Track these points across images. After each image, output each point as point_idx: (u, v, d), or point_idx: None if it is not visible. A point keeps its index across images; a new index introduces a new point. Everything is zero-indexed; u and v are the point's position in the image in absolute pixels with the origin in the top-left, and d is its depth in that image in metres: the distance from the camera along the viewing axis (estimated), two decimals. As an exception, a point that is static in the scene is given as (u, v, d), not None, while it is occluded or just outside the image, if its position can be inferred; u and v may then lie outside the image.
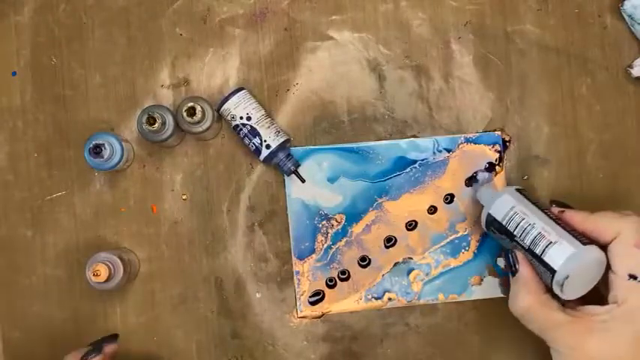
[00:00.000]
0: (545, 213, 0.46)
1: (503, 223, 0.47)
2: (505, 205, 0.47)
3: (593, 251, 0.43)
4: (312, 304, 0.53)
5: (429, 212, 0.54)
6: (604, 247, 0.44)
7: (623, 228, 0.44)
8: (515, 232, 0.46)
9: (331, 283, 0.54)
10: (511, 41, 0.55)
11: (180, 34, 0.54)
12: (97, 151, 0.49)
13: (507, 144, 0.54)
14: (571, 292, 0.44)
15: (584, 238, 0.44)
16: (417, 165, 0.54)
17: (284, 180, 0.54)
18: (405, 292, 0.54)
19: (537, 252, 0.45)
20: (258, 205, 0.54)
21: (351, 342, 0.54)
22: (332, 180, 0.54)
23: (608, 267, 0.44)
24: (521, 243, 0.46)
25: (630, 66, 0.54)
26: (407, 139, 0.54)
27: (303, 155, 0.54)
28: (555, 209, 0.47)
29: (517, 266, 0.46)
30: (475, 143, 0.54)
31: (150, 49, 0.54)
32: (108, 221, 0.53)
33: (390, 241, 0.54)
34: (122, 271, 0.49)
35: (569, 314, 0.43)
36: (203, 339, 0.53)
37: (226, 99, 0.51)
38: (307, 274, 0.53)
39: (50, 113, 0.54)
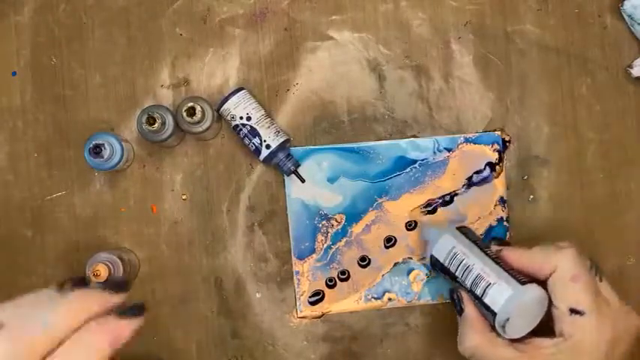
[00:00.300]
0: (486, 252, 0.46)
1: (445, 264, 0.47)
2: (446, 245, 0.48)
3: (532, 290, 0.43)
4: (312, 304, 0.53)
5: (428, 212, 0.54)
6: (544, 283, 0.44)
7: (558, 262, 0.43)
8: (457, 274, 0.46)
9: (331, 283, 0.54)
10: (511, 41, 0.55)
11: (180, 34, 0.54)
12: (97, 151, 0.49)
13: (507, 144, 0.54)
14: (514, 332, 0.43)
15: (522, 277, 0.44)
16: (416, 165, 0.54)
17: (284, 180, 0.54)
18: (405, 292, 0.54)
19: (478, 293, 0.45)
20: (258, 205, 0.54)
21: (351, 342, 0.54)
22: (332, 180, 0.54)
23: (551, 302, 0.43)
24: (463, 284, 0.46)
25: (630, 66, 0.54)
26: (407, 139, 0.54)
27: (303, 155, 0.54)
28: (494, 247, 0.47)
29: (462, 306, 0.46)
30: (475, 143, 0.54)
31: (150, 49, 0.54)
32: (108, 221, 0.53)
33: (389, 241, 0.54)
34: (122, 271, 0.49)
35: (517, 349, 0.43)
36: (203, 339, 0.53)
37: (226, 99, 0.51)
38: (307, 274, 0.53)
39: (50, 113, 0.54)
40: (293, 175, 0.52)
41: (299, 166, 0.52)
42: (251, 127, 0.51)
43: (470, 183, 0.54)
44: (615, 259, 0.54)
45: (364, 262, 0.54)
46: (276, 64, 0.54)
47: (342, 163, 0.54)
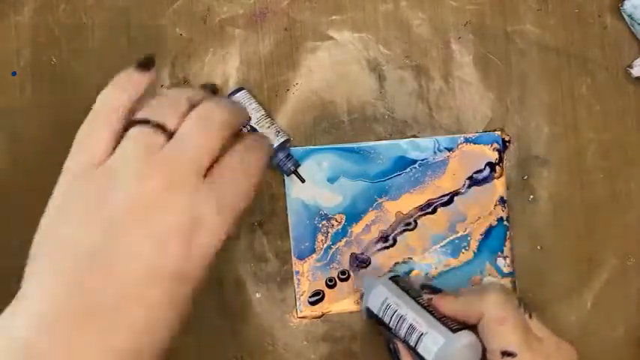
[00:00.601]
0: (418, 301, 0.46)
1: (379, 315, 0.48)
2: (379, 297, 0.48)
3: (464, 337, 0.44)
4: (312, 304, 0.53)
5: (429, 212, 0.54)
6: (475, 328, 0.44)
7: (484, 307, 0.44)
8: (390, 324, 0.47)
9: (331, 283, 0.54)
10: (511, 41, 0.55)
11: (180, 34, 0.54)
12: (97, 151, 0.49)
13: (507, 144, 0.55)
14: None
15: (455, 324, 0.44)
16: (416, 165, 0.54)
17: (284, 180, 0.54)
18: (405, 292, 0.54)
19: (412, 344, 0.45)
20: (258, 205, 0.54)
21: (351, 342, 0.54)
22: (332, 180, 0.54)
23: (484, 347, 0.44)
24: (397, 335, 0.46)
25: (630, 66, 0.54)
26: (407, 139, 0.54)
27: (303, 155, 0.54)
28: (425, 296, 0.47)
29: (400, 357, 0.46)
30: (475, 143, 0.54)
31: (150, 49, 0.54)
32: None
33: (389, 241, 0.54)
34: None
35: None
36: (203, 339, 0.53)
37: None
38: (307, 274, 0.53)
39: (50, 113, 0.54)
40: (293, 175, 0.52)
41: (299, 166, 0.52)
42: (251, 127, 0.51)
43: (470, 183, 0.54)
44: (615, 259, 0.54)
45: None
46: (276, 64, 0.54)
47: (342, 163, 0.54)
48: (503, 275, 0.54)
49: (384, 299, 0.47)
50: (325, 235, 0.54)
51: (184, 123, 0.32)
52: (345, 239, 0.54)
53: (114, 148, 0.32)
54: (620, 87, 0.55)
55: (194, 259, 0.32)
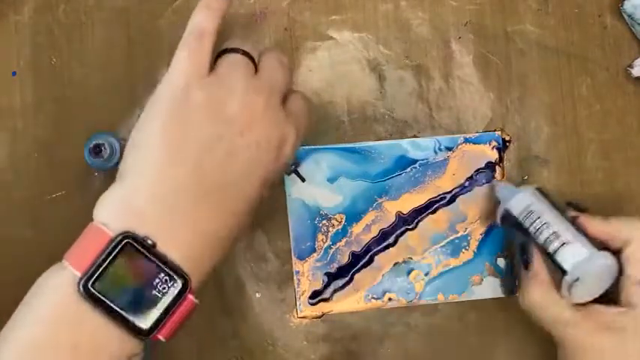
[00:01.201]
0: (563, 214, 0.46)
1: (520, 218, 0.47)
2: (523, 202, 0.48)
3: (607, 257, 0.44)
4: (312, 304, 0.53)
5: (429, 212, 0.54)
6: (616, 254, 0.44)
7: (635, 235, 0.44)
8: (530, 229, 0.46)
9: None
10: (511, 41, 0.55)
11: (181, 34, 0.54)
12: (97, 151, 0.49)
13: (507, 144, 0.55)
14: (579, 296, 0.44)
15: (598, 243, 0.44)
16: (417, 165, 0.54)
17: (284, 180, 0.54)
18: (406, 292, 0.54)
19: (550, 250, 0.45)
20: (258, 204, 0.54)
21: (351, 342, 0.54)
22: (332, 180, 0.54)
23: (620, 273, 0.44)
24: (535, 240, 0.46)
25: (630, 66, 0.54)
26: (407, 139, 0.54)
27: (303, 155, 0.54)
28: (571, 213, 0.47)
29: (531, 259, 0.46)
30: (475, 143, 0.54)
31: (150, 49, 0.54)
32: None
33: (390, 241, 0.54)
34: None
35: (580, 311, 0.43)
36: (203, 339, 0.53)
37: None
38: (307, 274, 0.53)
39: (50, 113, 0.54)
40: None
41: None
42: None
43: (470, 183, 0.54)
44: (615, 259, 0.54)
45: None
46: (276, 64, 0.54)
47: (342, 163, 0.54)
48: (503, 275, 0.54)
49: (528, 204, 0.47)
50: (326, 234, 0.54)
51: (265, 59, 0.41)
52: (345, 239, 0.54)
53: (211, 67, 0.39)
54: (620, 87, 0.55)
55: (278, 166, 0.40)
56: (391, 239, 0.54)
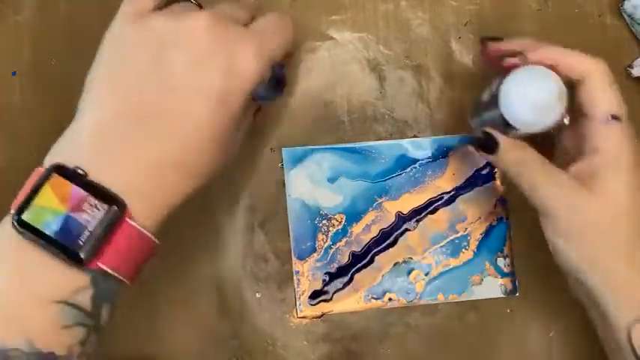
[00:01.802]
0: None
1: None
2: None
3: (551, 75, 0.41)
4: (312, 304, 0.53)
5: (429, 212, 0.54)
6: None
7: (595, 66, 0.41)
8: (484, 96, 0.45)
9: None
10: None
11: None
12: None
13: (507, 144, 0.54)
14: (522, 119, 0.41)
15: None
16: (417, 165, 0.54)
17: (284, 180, 0.54)
18: (406, 292, 0.54)
19: (493, 91, 0.43)
20: (258, 205, 0.54)
21: (351, 342, 0.54)
22: (332, 180, 0.54)
23: (576, 115, 0.41)
24: (483, 99, 0.45)
25: (630, 66, 0.54)
26: (407, 139, 0.54)
27: (303, 155, 0.54)
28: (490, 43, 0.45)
29: (496, 138, 0.43)
30: (475, 143, 0.54)
31: (150, 49, 0.54)
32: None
33: (390, 241, 0.54)
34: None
35: (559, 172, 0.41)
36: (203, 339, 0.53)
37: None
38: (307, 274, 0.53)
39: (50, 113, 0.54)
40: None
41: (281, 80, 0.44)
42: None
43: (470, 183, 0.54)
44: (615, 259, 0.54)
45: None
46: (276, 64, 0.54)
47: (342, 163, 0.54)
48: (503, 275, 0.54)
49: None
50: (326, 234, 0.54)
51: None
52: (345, 239, 0.54)
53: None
54: (621, 87, 0.55)
55: (238, 85, 0.37)
56: (391, 239, 0.54)
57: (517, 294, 0.54)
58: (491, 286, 0.54)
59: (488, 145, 0.44)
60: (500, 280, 0.54)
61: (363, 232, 0.54)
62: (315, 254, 0.53)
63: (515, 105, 0.41)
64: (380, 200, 0.54)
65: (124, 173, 0.36)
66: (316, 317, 0.54)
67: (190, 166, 0.38)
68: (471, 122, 0.49)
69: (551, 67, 0.42)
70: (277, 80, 0.41)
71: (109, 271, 0.36)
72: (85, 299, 0.35)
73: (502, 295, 0.54)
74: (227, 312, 0.53)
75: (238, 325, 0.53)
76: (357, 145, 0.54)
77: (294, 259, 0.53)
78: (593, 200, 0.40)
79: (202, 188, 0.40)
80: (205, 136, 0.37)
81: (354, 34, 0.55)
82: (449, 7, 0.55)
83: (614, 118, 0.40)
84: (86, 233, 0.34)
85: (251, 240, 0.54)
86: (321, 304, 0.53)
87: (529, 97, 0.41)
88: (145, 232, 0.36)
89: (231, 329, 0.53)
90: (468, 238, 0.54)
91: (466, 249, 0.54)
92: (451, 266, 0.54)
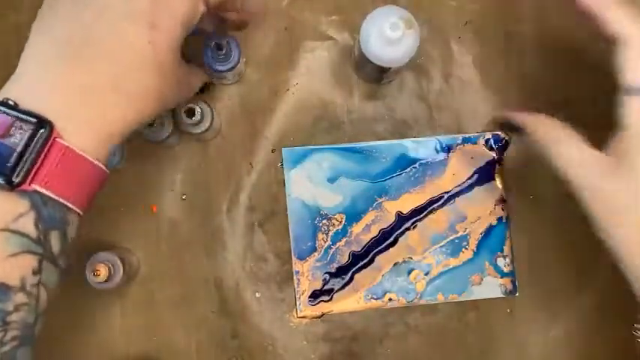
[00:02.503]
0: None
1: None
2: None
3: (399, 10, 0.46)
4: (312, 304, 0.53)
5: (429, 212, 0.54)
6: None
7: (627, 33, 0.39)
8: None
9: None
10: (511, 41, 0.55)
11: (180, 34, 0.54)
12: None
13: (507, 144, 0.54)
14: (376, 53, 0.46)
15: None
16: (417, 165, 0.54)
17: (284, 180, 0.54)
18: (406, 292, 0.54)
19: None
20: (258, 205, 0.54)
21: (351, 342, 0.54)
22: (332, 180, 0.54)
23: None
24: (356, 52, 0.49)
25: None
26: (407, 139, 0.54)
27: (303, 155, 0.54)
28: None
29: (515, 122, 0.44)
30: (475, 143, 0.54)
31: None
32: (107, 221, 0.53)
33: (390, 241, 0.54)
34: (122, 270, 0.49)
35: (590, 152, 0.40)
36: (203, 339, 0.53)
37: None
38: (307, 274, 0.53)
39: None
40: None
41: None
42: None
43: (470, 183, 0.54)
44: (615, 259, 0.54)
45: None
46: (276, 64, 0.54)
47: (342, 163, 0.54)
48: (503, 275, 0.54)
49: None
50: (326, 234, 0.54)
51: None
52: (345, 239, 0.54)
53: None
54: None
55: (160, 10, 0.38)
56: (391, 239, 0.54)
57: (517, 294, 0.54)
58: (491, 286, 0.54)
59: (515, 126, 0.45)
60: (500, 280, 0.54)
61: (363, 232, 0.54)
62: (315, 254, 0.53)
63: (370, 42, 0.46)
64: (380, 200, 0.54)
65: (57, 99, 0.36)
66: (316, 317, 0.54)
67: (130, 91, 0.37)
68: (358, 75, 0.53)
69: (591, 17, 0.40)
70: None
71: (48, 193, 0.35)
72: (27, 225, 0.34)
73: (502, 295, 0.54)
74: (227, 312, 0.53)
75: (238, 325, 0.53)
76: (357, 145, 0.54)
77: (294, 259, 0.53)
78: (618, 178, 0.39)
79: (150, 119, 0.39)
80: (140, 59, 0.37)
81: (354, 34, 0.55)
82: (449, 7, 0.55)
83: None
84: (15, 155, 0.34)
85: (251, 240, 0.54)
86: (321, 304, 0.53)
87: (381, 32, 0.45)
88: (84, 154, 0.36)
89: (230, 329, 0.53)
90: (468, 238, 0.54)
91: (466, 249, 0.54)
92: (451, 266, 0.54)
